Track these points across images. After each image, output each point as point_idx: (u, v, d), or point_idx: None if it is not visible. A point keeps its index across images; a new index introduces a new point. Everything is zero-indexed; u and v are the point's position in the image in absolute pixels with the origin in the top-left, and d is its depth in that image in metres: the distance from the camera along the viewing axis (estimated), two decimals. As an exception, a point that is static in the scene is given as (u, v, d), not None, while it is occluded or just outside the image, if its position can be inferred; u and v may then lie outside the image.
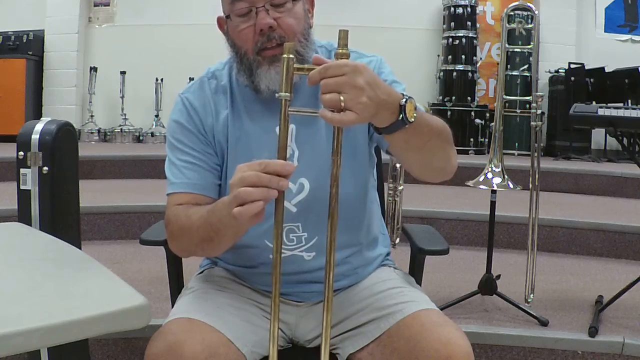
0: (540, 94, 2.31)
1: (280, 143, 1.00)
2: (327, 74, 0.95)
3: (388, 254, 1.47)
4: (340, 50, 0.97)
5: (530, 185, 2.33)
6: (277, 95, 0.98)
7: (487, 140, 5.69)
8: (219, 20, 1.32)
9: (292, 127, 1.26)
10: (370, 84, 0.97)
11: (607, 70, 5.55)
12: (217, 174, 1.31)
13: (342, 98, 0.94)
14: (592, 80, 5.52)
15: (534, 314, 2.17)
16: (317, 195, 1.26)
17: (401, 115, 1.03)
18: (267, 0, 1.21)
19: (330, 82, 0.95)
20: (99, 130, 6.16)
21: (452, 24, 5.92)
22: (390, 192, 2.48)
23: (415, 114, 1.04)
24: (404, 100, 1.03)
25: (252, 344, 1.22)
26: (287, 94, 0.97)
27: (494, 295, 2.27)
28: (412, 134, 1.07)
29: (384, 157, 1.51)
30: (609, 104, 2.26)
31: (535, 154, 2.31)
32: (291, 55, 0.97)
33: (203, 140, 1.31)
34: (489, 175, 2.22)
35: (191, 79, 5.79)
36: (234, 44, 1.28)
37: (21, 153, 1.62)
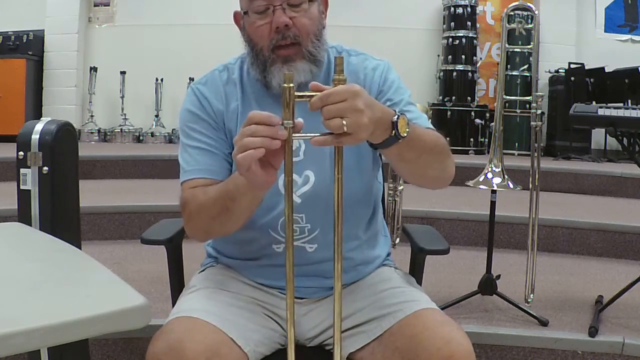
0: (540, 94, 2.31)
1: (286, 167, 1.02)
2: (329, 101, 0.99)
3: (389, 255, 1.47)
4: (337, 77, 1.00)
5: (530, 185, 2.33)
6: (280, 123, 1.01)
7: (487, 140, 5.68)
8: (236, 14, 1.36)
9: (298, 120, 1.28)
10: (368, 105, 1.00)
11: (607, 70, 5.54)
12: (229, 159, 1.33)
13: (344, 122, 0.97)
14: (592, 80, 5.51)
15: (534, 314, 2.17)
16: (322, 188, 1.29)
17: (394, 131, 1.07)
18: (285, 0, 1.25)
19: (332, 109, 0.98)
20: (99, 130, 6.16)
21: (452, 24, 5.92)
22: (390, 192, 2.48)
23: (407, 129, 1.08)
24: (396, 117, 1.07)
25: (254, 343, 1.22)
26: (290, 121, 1.01)
27: (494, 295, 2.26)
28: (406, 148, 1.12)
29: (384, 157, 1.52)
30: (609, 104, 2.26)
31: (535, 154, 2.31)
32: (292, 85, 1.00)
33: (215, 126, 1.34)
34: (489, 175, 2.22)
35: (191, 79, 5.85)
36: (250, 40, 1.32)
37: (21, 153, 1.62)
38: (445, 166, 1.25)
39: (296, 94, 1.00)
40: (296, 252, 1.29)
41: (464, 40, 5.88)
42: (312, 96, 1.00)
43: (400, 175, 1.34)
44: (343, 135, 0.99)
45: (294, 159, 1.21)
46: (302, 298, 1.33)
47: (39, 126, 1.64)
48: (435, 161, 1.21)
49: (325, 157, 1.30)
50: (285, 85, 1.00)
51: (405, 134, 1.08)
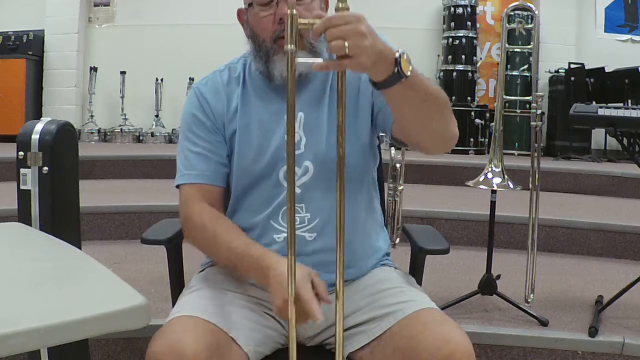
0: (540, 94, 2.31)
1: (289, 102, 1.02)
2: (332, 24, 1.00)
3: (388, 254, 1.47)
4: (341, 5, 1.02)
5: (530, 185, 2.33)
6: (284, 48, 1.01)
7: (487, 140, 5.68)
8: (239, 12, 1.40)
9: (300, 115, 1.33)
10: (370, 32, 1.03)
11: (607, 70, 5.55)
12: (226, 163, 1.38)
13: (346, 44, 0.99)
14: (592, 80, 5.51)
15: (534, 314, 2.17)
16: (320, 178, 1.32)
17: (397, 69, 1.07)
18: None
19: (335, 31, 1.00)
20: (99, 130, 6.16)
21: (452, 24, 5.92)
22: (390, 192, 2.47)
23: (410, 68, 1.09)
24: (398, 54, 1.08)
25: (255, 342, 1.22)
26: (292, 46, 1.01)
27: (494, 295, 2.26)
28: (409, 89, 1.11)
29: (384, 157, 1.52)
30: (609, 104, 2.26)
31: (535, 154, 2.31)
32: (295, 11, 1.00)
33: (213, 130, 1.37)
34: (489, 175, 2.22)
35: (191, 79, 5.84)
36: (253, 32, 1.35)
37: (21, 153, 1.62)
38: (447, 121, 1.24)
39: (300, 21, 1.01)
40: (296, 241, 1.30)
41: (464, 40, 5.88)
42: (316, 24, 1.01)
43: (403, 127, 1.30)
44: (345, 57, 1.00)
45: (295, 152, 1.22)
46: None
47: (39, 126, 1.64)
48: (437, 111, 1.21)
49: (324, 147, 1.33)
50: (289, 11, 1.00)
51: (408, 73, 1.08)
